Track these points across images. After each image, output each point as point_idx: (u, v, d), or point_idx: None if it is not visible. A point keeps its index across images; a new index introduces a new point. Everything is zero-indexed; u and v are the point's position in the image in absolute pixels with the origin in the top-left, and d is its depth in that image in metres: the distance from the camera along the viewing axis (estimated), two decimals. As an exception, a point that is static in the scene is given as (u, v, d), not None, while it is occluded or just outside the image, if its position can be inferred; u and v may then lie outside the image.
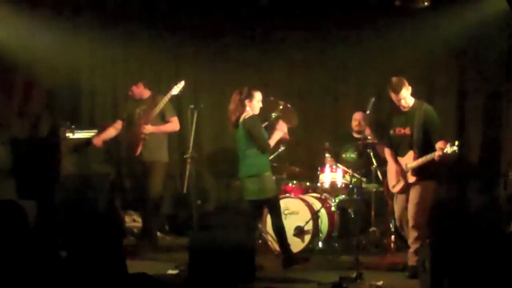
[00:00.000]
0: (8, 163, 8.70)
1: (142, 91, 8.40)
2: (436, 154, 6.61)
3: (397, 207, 7.10)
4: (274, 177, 7.60)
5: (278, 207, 7.48)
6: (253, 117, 7.31)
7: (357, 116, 8.99)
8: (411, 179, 6.85)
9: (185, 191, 7.91)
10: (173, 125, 8.46)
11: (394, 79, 6.88)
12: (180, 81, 8.28)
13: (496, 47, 9.09)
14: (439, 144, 6.69)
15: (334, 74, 9.81)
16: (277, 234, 7.51)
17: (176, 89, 8.21)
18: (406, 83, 6.85)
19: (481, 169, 9.22)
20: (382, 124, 7.32)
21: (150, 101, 8.36)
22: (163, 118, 8.35)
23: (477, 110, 9.31)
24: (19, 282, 3.28)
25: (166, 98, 8.18)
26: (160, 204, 8.71)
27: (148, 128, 8.19)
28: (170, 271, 6.85)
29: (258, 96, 7.36)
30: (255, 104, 7.35)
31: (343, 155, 8.87)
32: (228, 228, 8.92)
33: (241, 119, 7.30)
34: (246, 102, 7.30)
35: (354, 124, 9.03)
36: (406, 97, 6.87)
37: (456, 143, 6.51)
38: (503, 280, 2.79)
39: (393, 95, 6.87)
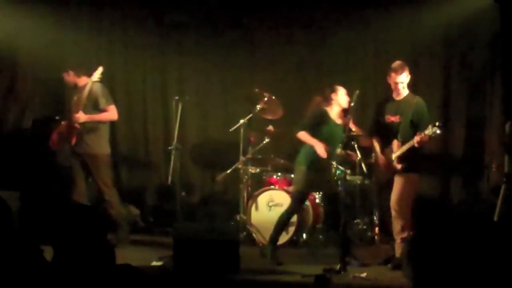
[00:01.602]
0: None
1: (74, 79, 7.95)
2: (415, 139, 6.64)
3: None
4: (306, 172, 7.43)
5: (294, 203, 7.57)
6: (317, 109, 7.41)
7: None
8: (396, 169, 6.88)
9: (169, 182, 7.90)
10: (109, 114, 7.96)
11: (398, 61, 6.97)
12: (98, 67, 7.83)
13: (481, 41, 9.12)
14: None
15: (319, 66, 9.80)
16: (276, 223, 7.58)
17: (95, 76, 7.76)
18: (408, 70, 6.90)
19: (465, 161, 9.27)
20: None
21: (83, 89, 7.88)
22: (96, 107, 7.88)
23: (461, 103, 9.34)
24: (3, 276, 3.26)
25: (88, 86, 7.73)
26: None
27: (81, 117, 7.74)
28: (154, 263, 6.85)
29: (341, 89, 7.38)
30: (341, 96, 7.34)
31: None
32: (213, 219, 8.93)
33: None
34: (332, 96, 7.32)
35: None
36: (404, 82, 6.91)
37: (437, 123, 6.54)
38: (488, 270, 2.79)
39: (393, 75, 6.89)
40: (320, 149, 7.16)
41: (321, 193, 8.63)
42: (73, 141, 7.80)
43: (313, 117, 7.38)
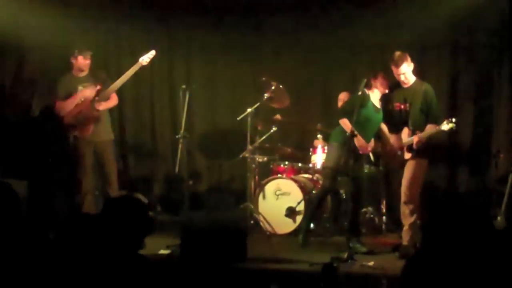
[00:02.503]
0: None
1: (86, 65, 7.98)
2: (415, 139, 6.70)
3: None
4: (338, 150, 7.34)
5: (324, 180, 7.75)
6: (355, 93, 7.28)
7: (342, 97, 8.95)
8: (405, 155, 6.89)
9: (177, 171, 7.90)
10: (115, 100, 8.13)
11: (397, 53, 6.91)
12: (150, 50, 7.88)
13: (489, 29, 9.07)
14: (427, 128, 6.73)
15: (326, 55, 9.78)
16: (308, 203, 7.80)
17: (146, 59, 7.81)
18: (409, 59, 6.88)
19: (473, 150, 9.25)
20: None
21: (90, 77, 8.00)
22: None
23: (469, 91, 9.32)
24: (10, 264, 3.28)
25: (133, 70, 7.82)
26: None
27: (103, 105, 7.89)
28: (162, 251, 6.85)
29: (382, 74, 7.28)
30: (380, 82, 7.22)
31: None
32: (220, 208, 8.93)
33: None
34: (372, 80, 7.22)
35: (339, 104, 9.01)
36: (406, 73, 6.88)
37: (453, 120, 6.55)
38: (494, 267, 2.80)
39: (393, 69, 6.88)
40: (359, 142, 7.12)
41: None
42: (90, 129, 7.86)
43: (353, 100, 7.21)
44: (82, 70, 8.00)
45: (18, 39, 9.27)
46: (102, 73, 8.15)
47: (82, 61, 7.98)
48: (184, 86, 7.94)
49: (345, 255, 6.50)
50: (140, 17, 9.78)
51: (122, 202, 3.37)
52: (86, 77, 8.05)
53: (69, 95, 8.02)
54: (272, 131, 8.72)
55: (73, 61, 8.00)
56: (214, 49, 9.87)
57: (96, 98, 7.87)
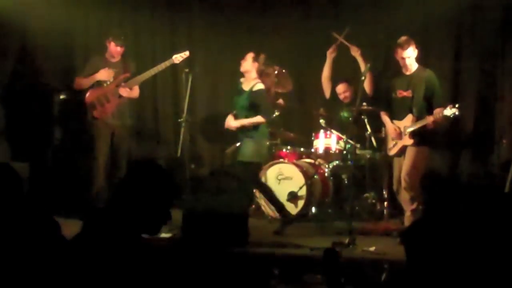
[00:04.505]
0: (1, 125, 8.68)
1: (118, 52, 8.10)
2: (430, 119, 6.68)
3: (395, 170, 7.16)
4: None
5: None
6: None
7: (340, 89, 8.93)
8: (407, 141, 6.90)
9: (179, 155, 7.90)
10: (137, 92, 8.28)
11: (403, 37, 7.01)
12: (185, 50, 8.14)
13: (492, 15, 9.03)
14: (436, 111, 6.73)
15: (330, 40, 9.74)
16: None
17: (179, 58, 8.06)
18: (414, 44, 6.92)
19: (475, 136, 9.23)
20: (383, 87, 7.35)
21: (121, 64, 8.13)
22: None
23: (472, 77, 9.28)
24: (13, 246, 3.27)
25: (163, 65, 8.05)
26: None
27: (127, 93, 8.03)
28: (164, 235, 6.85)
29: (247, 55, 7.66)
30: (243, 62, 7.70)
31: (339, 114, 8.85)
32: (222, 192, 8.93)
33: None
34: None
35: (340, 97, 8.97)
36: (411, 57, 6.94)
37: (457, 105, 6.56)
38: (497, 249, 2.79)
39: (399, 51, 6.92)
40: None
41: (329, 166, 8.60)
42: (110, 112, 7.95)
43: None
44: (113, 56, 8.06)
45: (20, 24, 9.24)
46: (133, 64, 8.29)
47: (114, 48, 8.07)
48: (186, 70, 7.93)
49: (347, 240, 6.50)
50: (141, 1, 9.74)
51: (148, 166, 3.28)
52: (117, 63, 8.15)
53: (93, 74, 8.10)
54: (274, 115, 8.70)
55: (108, 44, 8.06)
56: (217, 32, 9.82)
57: (123, 84, 7.95)
